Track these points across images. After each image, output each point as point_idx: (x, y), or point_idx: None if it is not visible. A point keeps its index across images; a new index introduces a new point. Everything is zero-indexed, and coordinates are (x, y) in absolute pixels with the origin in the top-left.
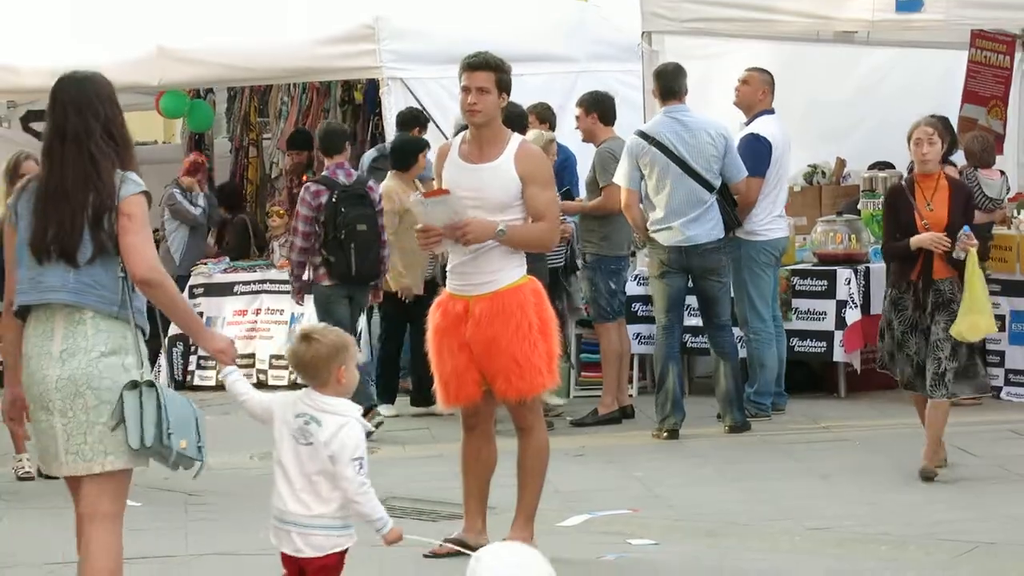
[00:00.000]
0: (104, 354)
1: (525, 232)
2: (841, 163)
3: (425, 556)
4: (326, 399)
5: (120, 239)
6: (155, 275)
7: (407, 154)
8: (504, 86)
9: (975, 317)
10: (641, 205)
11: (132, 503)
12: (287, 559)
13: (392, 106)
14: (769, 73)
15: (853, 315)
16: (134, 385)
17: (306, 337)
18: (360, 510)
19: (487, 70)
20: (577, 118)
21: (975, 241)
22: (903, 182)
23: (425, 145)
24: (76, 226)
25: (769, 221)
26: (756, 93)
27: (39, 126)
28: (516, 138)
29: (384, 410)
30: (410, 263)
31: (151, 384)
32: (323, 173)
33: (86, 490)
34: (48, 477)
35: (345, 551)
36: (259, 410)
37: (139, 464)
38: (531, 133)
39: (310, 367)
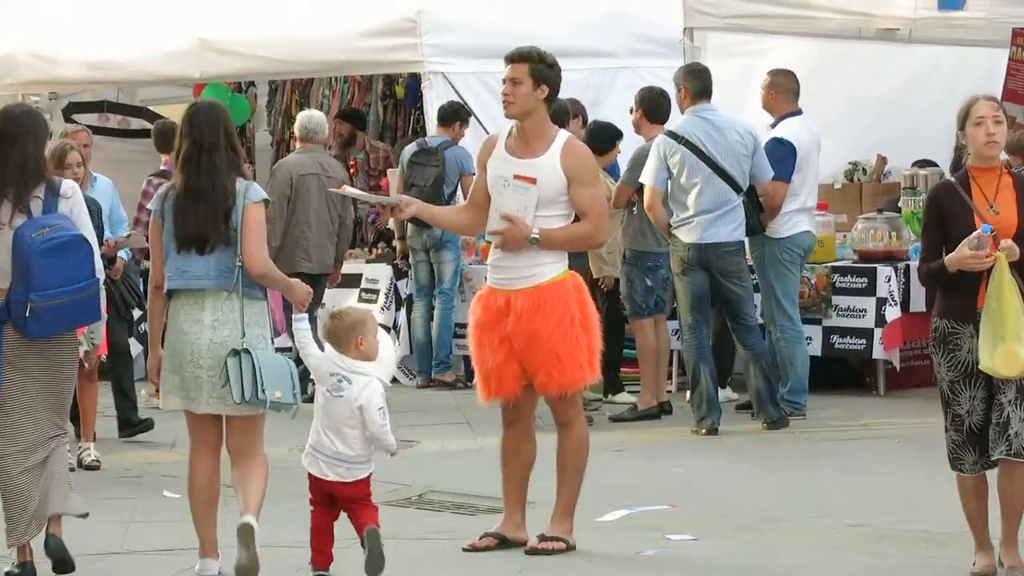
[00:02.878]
0: (235, 326)
1: (563, 235)
2: (882, 160)
3: (464, 550)
4: (353, 362)
5: (243, 238)
6: (267, 270)
7: (605, 140)
8: (541, 78)
9: (1012, 346)
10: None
11: (171, 495)
12: (315, 481)
13: (433, 100)
14: (784, 75)
15: (893, 312)
16: (235, 353)
17: (334, 315)
18: (381, 444)
19: (521, 61)
20: (631, 110)
21: (1010, 242)
22: (954, 178)
23: (621, 135)
24: (208, 222)
25: (788, 218)
26: (767, 97)
27: (82, 118)
28: (563, 134)
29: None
30: (612, 249)
31: (247, 351)
32: (162, 168)
33: (229, 430)
34: (88, 468)
35: (365, 479)
36: (315, 360)
37: (249, 412)
38: None
39: (335, 337)
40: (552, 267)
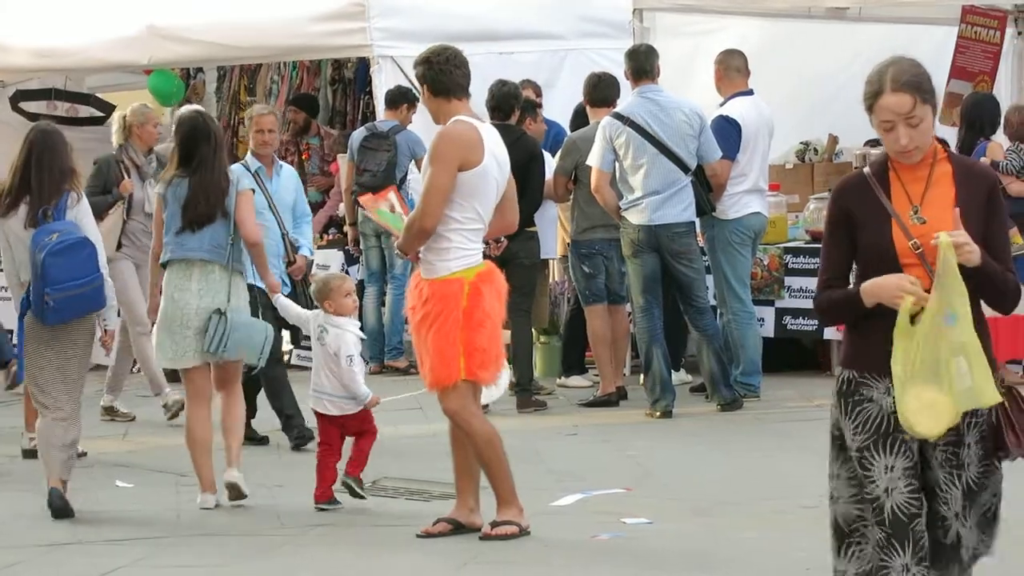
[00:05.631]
0: (219, 294)
1: (404, 232)
2: (833, 140)
3: (418, 536)
4: (330, 316)
5: (238, 217)
6: (260, 240)
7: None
8: (419, 82)
9: (933, 394)
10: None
11: (124, 484)
12: (321, 417)
13: (383, 84)
14: (729, 54)
15: None
16: (219, 312)
17: (318, 279)
18: (349, 389)
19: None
20: None
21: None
22: (866, 170)
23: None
24: (211, 206)
25: (737, 199)
26: (714, 76)
27: (30, 106)
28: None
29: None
30: None
31: (223, 314)
32: None
33: (218, 376)
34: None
35: (362, 411)
36: (300, 320)
37: (240, 358)
38: None
39: (318, 295)
40: (444, 264)
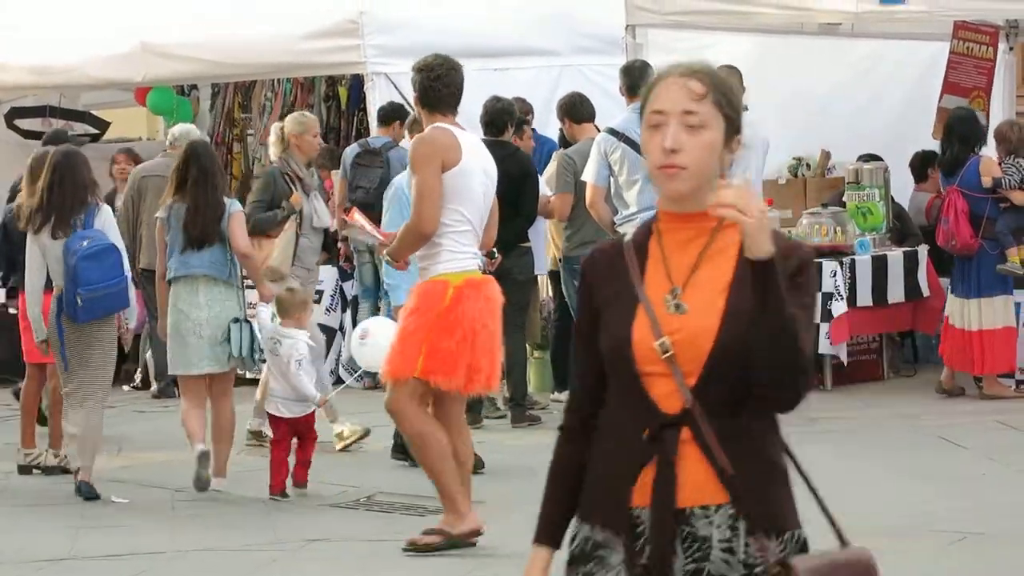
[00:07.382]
0: (227, 304)
1: (398, 240)
2: (826, 155)
3: (404, 550)
4: (285, 329)
5: (230, 234)
6: (249, 252)
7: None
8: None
9: None
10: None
11: (119, 500)
12: (274, 420)
13: (376, 101)
14: (727, 72)
15: (839, 307)
16: (236, 320)
17: (287, 290)
18: (297, 390)
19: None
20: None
21: None
22: (627, 237)
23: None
24: (208, 228)
25: None
26: None
27: (25, 123)
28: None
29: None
30: None
31: (247, 320)
32: None
33: (214, 382)
34: (46, 471)
35: (310, 414)
36: (262, 330)
37: (234, 366)
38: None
39: (281, 307)
40: (434, 267)
